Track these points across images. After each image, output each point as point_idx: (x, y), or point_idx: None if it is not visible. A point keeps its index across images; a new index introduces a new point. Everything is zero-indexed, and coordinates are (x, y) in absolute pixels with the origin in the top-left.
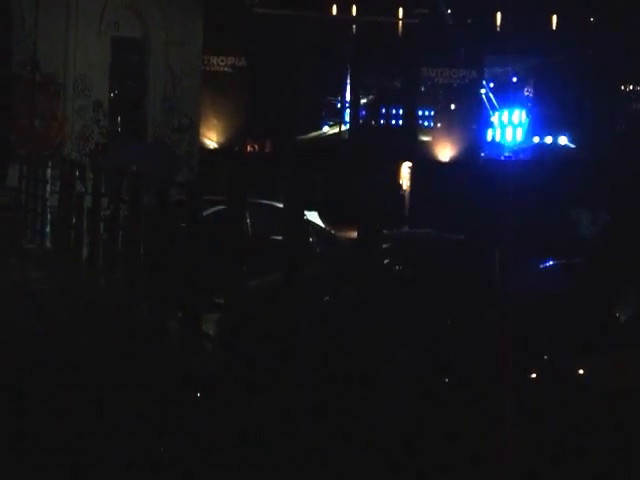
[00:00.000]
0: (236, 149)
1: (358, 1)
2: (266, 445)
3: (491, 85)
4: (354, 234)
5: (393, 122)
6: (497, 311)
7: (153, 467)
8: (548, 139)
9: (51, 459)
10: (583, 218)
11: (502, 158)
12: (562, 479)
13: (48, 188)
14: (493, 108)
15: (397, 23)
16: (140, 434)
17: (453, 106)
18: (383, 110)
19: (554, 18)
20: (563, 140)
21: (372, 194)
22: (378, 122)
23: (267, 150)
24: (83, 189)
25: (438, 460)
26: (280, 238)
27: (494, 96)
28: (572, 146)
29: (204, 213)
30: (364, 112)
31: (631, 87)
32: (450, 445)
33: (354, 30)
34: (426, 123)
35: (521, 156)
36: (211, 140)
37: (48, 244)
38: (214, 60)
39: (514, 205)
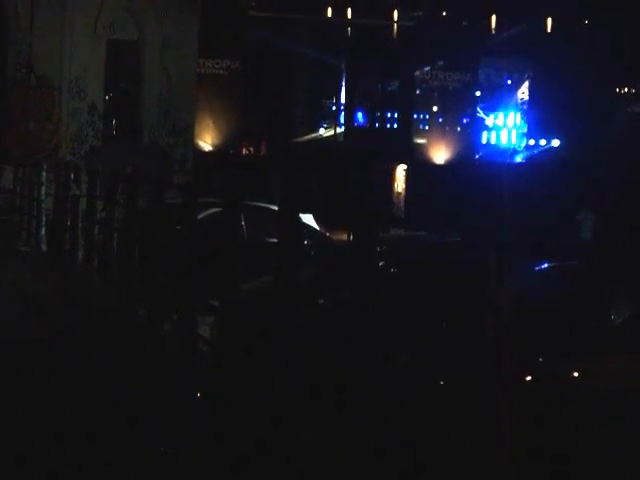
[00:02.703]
0: (231, 151)
1: (353, 4)
2: (264, 446)
3: (478, 94)
4: (350, 236)
5: (388, 125)
6: (493, 313)
7: (153, 467)
8: (542, 142)
9: (50, 460)
10: (588, 221)
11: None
12: None
13: (43, 190)
14: (485, 112)
15: (392, 26)
16: (138, 435)
17: (448, 108)
18: (378, 113)
19: (549, 20)
20: (557, 143)
21: (366, 196)
22: (373, 125)
23: (262, 152)
24: (78, 192)
25: (438, 461)
26: (275, 241)
27: (487, 100)
28: (554, 146)
29: (199, 215)
30: (359, 114)
31: (626, 89)
32: (449, 447)
33: (349, 32)
34: (421, 126)
35: (517, 159)
36: (206, 142)
37: (43, 247)
38: (209, 63)
39: (510, 207)
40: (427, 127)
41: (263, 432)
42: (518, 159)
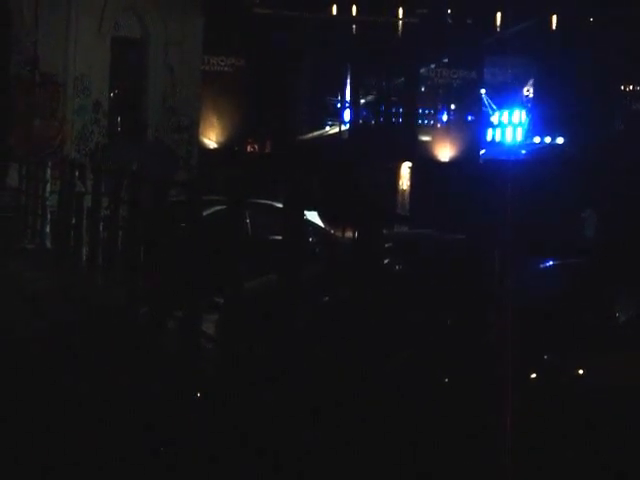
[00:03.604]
0: (236, 149)
1: (358, 1)
2: (265, 445)
3: (482, 91)
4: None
5: (393, 122)
6: (497, 311)
7: (153, 467)
8: (547, 139)
9: (50, 459)
10: (592, 219)
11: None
12: (562, 479)
13: (48, 188)
14: (492, 109)
15: (397, 23)
16: (140, 434)
17: (453, 106)
18: (383, 110)
19: (554, 18)
20: (561, 141)
21: (371, 193)
22: (378, 122)
23: (267, 150)
24: (83, 189)
25: (438, 460)
26: (279, 238)
27: (492, 98)
28: (550, 143)
29: (204, 213)
30: (364, 112)
31: (631, 87)
32: (450, 445)
33: (354, 30)
34: (426, 123)
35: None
36: (211, 140)
37: (48, 244)
38: (214, 60)
39: (514, 205)
40: (432, 124)
41: (264, 432)
42: (516, 155)
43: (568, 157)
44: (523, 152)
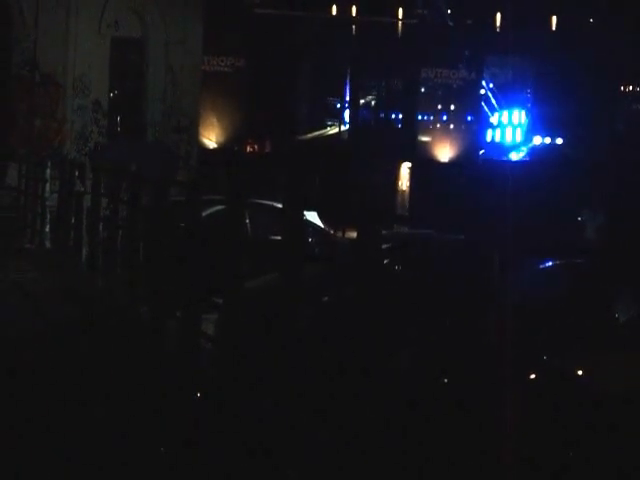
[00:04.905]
0: (236, 149)
1: (358, 1)
2: (266, 445)
3: (490, 85)
4: (353, 234)
5: (393, 122)
6: (497, 311)
7: (153, 467)
8: (547, 140)
9: (50, 459)
10: (592, 219)
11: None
12: (561, 479)
13: (47, 188)
14: (492, 109)
15: (397, 23)
16: (140, 434)
17: (453, 107)
18: (383, 110)
19: (554, 19)
20: (560, 141)
21: (369, 194)
22: (378, 122)
23: (267, 150)
24: (82, 189)
25: (439, 460)
26: (279, 238)
27: (493, 97)
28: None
29: (203, 213)
30: (364, 112)
31: (630, 88)
32: (450, 445)
33: (354, 30)
34: (425, 121)
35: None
36: (210, 140)
37: (47, 244)
38: (214, 60)
39: (514, 205)
40: (432, 125)
41: (264, 432)
42: (515, 156)
43: (567, 157)
44: (511, 155)
